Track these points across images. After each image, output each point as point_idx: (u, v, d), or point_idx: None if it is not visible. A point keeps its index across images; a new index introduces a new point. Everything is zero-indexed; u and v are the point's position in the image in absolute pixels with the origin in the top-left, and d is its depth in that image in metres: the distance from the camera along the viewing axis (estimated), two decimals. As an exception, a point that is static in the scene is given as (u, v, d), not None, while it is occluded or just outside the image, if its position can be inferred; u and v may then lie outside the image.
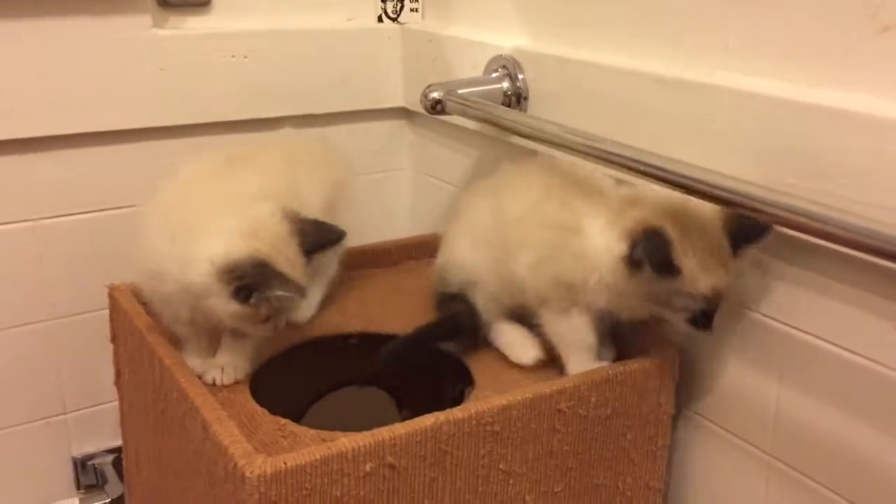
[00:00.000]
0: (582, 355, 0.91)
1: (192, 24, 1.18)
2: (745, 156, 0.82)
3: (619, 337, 0.96)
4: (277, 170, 1.00)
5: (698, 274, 0.82)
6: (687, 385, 0.95)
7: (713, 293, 0.83)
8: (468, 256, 1.01)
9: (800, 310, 0.82)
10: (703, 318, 0.85)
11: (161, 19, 1.15)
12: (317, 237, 0.87)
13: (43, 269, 1.14)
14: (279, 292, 0.80)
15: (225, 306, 0.82)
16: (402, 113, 1.37)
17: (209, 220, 0.84)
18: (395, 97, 1.34)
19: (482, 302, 0.99)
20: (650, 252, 0.82)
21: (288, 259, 0.83)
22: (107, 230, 1.15)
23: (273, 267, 0.81)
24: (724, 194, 0.77)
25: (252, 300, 0.81)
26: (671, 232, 0.82)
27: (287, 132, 1.23)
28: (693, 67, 0.89)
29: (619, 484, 0.93)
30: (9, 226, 1.11)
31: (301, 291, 0.82)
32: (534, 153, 1.10)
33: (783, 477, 0.87)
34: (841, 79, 0.76)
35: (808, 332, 0.82)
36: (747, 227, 0.82)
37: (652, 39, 0.94)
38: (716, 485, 0.95)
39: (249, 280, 0.80)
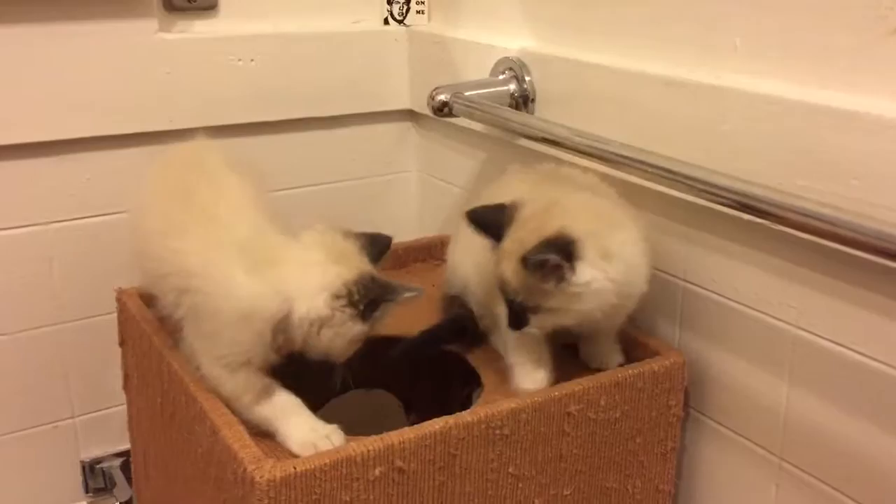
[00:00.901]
0: (527, 367, 0.89)
1: (199, 28, 1.18)
2: (755, 158, 0.82)
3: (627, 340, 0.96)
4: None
5: None
6: (696, 388, 0.95)
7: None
8: (460, 261, 1.02)
9: (810, 312, 0.82)
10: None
11: (167, 23, 1.15)
12: (376, 247, 0.87)
13: (52, 272, 1.15)
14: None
15: (349, 330, 0.81)
16: (409, 115, 1.37)
17: (282, 253, 0.83)
18: (402, 99, 1.34)
19: (475, 307, 0.99)
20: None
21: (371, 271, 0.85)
22: (115, 234, 1.14)
23: (382, 278, 0.83)
24: (733, 197, 0.77)
25: (378, 313, 0.82)
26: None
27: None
28: (701, 69, 0.89)
29: (629, 487, 0.92)
30: (18, 230, 1.11)
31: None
32: (541, 155, 1.10)
33: (793, 480, 0.86)
34: (851, 81, 0.76)
35: (818, 335, 0.82)
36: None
37: (660, 41, 0.94)
38: (725, 488, 0.94)
39: (374, 294, 0.81)
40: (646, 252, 0.89)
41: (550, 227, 0.82)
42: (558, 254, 0.80)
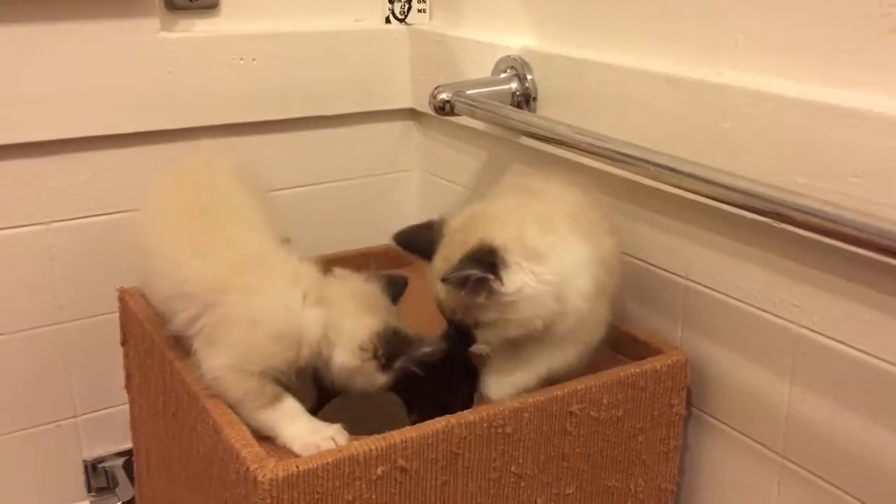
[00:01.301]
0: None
1: (200, 27, 1.18)
2: (756, 156, 0.82)
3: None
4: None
5: None
6: (698, 386, 0.95)
7: None
8: None
9: (812, 310, 0.82)
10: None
11: (169, 22, 1.15)
12: (395, 289, 0.89)
13: (53, 272, 1.15)
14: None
15: (374, 379, 0.84)
16: (410, 114, 1.37)
17: (327, 293, 0.85)
18: (404, 98, 1.34)
19: None
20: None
21: (395, 316, 0.87)
22: (117, 233, 1.15)
23: (404, 332, 0.84)
24: (735, 195, 0.77)
25: (397, 364, 0.84)
26: None
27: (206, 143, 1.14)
28: (703, 67, 0.89)
29: (631, 486, 0.92)
30: (20, 229, 1.12)
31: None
32: (543, 154, 1.10)
33: (795, 478, 0.86)
34: (853, 78, 0.76)
35: (819, 333, 0.82)
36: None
37: (662, 39, 0.94)
38: (728, 486, 0.94)
39: (395, 349, 0.83)
40: (593, 261, 0.84)
41: (473, 240, 0.80)
42: (480, 267, 0.77)
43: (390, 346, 0.83)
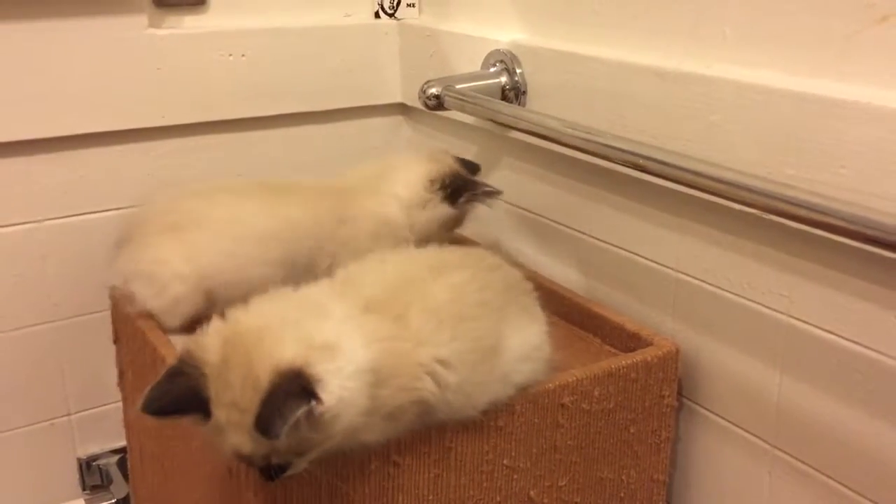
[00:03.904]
0: None
1: (189, 24, 1.18)
2: (744, 147, 0.82)
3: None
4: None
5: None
6: (689, 377, 0.95)
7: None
8: None
9: (801, 300, 0.82)
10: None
11: (157, 19, 1.15)
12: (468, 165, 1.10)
13: (45, 270, 1.15)
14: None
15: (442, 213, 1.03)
16: (400, 109, 1.37)
17: None
18: (393, 93, 1.34)
19: None
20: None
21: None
22: (108, 231, 1.14)
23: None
24: (723, 187, 0.77)
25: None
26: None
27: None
28: (691, 59, 0.89)
29: (624, 477, 0.93)
30: (10, 228, 1.11)
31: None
32: (533, 148, 1.11)
33: (786, 467, 0.87)
34: (840, 69, 0.76)
35: (809, 323, 0.82)
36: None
37: (650, 32, 0.94)
38: (719, 476, 0.95)
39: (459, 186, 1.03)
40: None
41: (258, 370, 0.65)
42: (297, 400, 0.64)
43: (456, 182, 1.01)
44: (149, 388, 0.68)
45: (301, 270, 0.96)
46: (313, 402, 0.64)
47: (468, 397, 0.78)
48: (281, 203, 1.00)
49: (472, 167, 1.11)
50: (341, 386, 0.67)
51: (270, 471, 0.68)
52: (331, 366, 0.67)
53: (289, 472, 0.69)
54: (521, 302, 0.88)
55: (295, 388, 0.64)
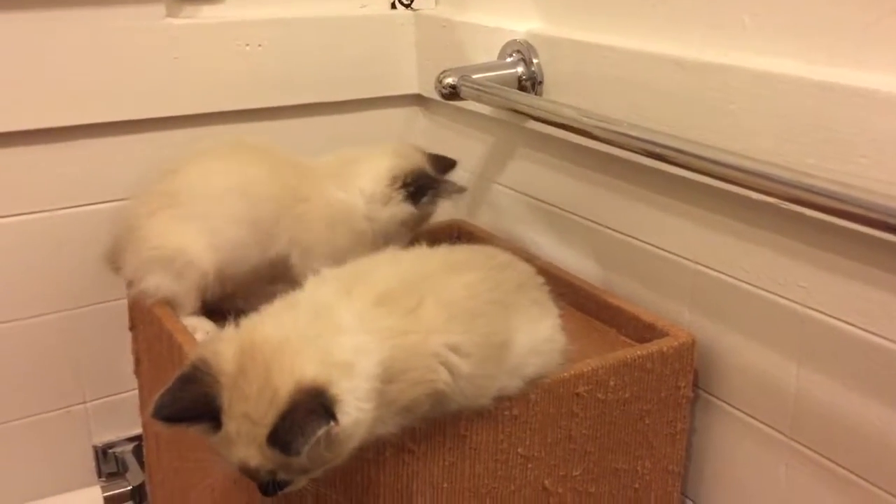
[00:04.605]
0: None
1: (206, 13, 1.18)
2: (763, 137, 0.81)
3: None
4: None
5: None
6: (706, 368, 0.95)
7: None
8: None
9: (818, 291, 0.82)
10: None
11: (175, 9, 1.16)
12: (441, 162, 1.10)
13: (61, 259, 1.15)
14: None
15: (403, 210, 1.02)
16: (416, 99, 1.36)
17: None
18: (410, 84, 1.34)
19: None
20: None
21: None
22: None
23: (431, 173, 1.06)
24: (742, 175, 0.77)
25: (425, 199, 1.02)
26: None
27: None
28: (710, 48, 0.88)
29: (638, 468, 0.93)
30: (26, 216, 1.12)
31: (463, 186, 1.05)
32: (548, 138, 1.10)
33: (803, 459, 0.86)
34: (859, 57, 0.76)
35: (827, 314, 0.81)
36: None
37: (668, 20, 0.94)
38: (735, 468, 0.95)
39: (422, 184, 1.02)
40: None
41: (280, 385, 0.65)
42: (318, 419, 0.63)
43: (419, 180, 1.01)
44: (160, 393, 0.67)
45: (265, 236, 0.98)
46: (332, 423, 0.63)
47: (480, 388, 0.78)
48: (250, 165, 1.01)
49: (446, 163, 1.10)
50: (357, 407, 0.66)
51: (270, 486, 0.67)
52: (349, 384, 0.66)
53: (288, 489, 0.68)
54: (532, 297, 0.88)
55: (317, 406, 0.63)
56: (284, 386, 0.64)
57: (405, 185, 1.03)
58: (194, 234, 0.95)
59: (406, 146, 1.10)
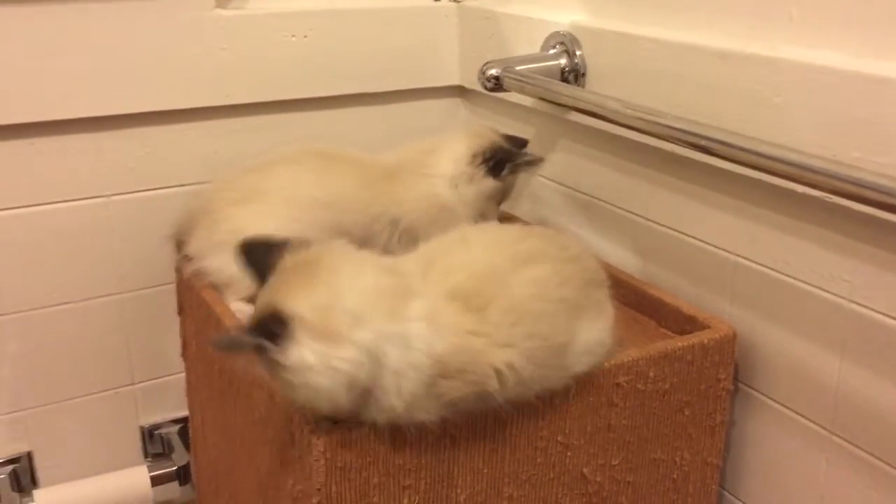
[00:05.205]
0: None
1: (253, 5, 1.20)
2: (809, 130, 0.81)
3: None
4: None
5: None
6: (746, 362, 0.95)
7: None
8: None
9: (863, 286, 0.81)
10: None
11: (223, 0, 1.18)
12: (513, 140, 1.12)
13: (113, 244, 1.18)
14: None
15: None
16: (458, 91, 1.37)
17: None
18: (452, 75, 1.34)
19: None
20: None
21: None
22: (173, 207, 1.17)
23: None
24: (788, 169, 0.77)
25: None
26: None
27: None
28: (756, 41, 0.88)
29: (677, 459, 0.93)
30: (81, 202, 1.15)
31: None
32: (591, 130, 1.11)
33: (844, 454, 0.86)
34: (910, 50, 0.75)
35: (871, 308, 0.81)
36: None
37: (714, 13, 0.94)
38: (774, 462, 0.95)
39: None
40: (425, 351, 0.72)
41: (275, 296, 0.71)
42: (261, 334, 0.69)
43: (498, 154, 1.04)
44: (261, 237, 0.79)
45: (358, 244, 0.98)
46: (271, 346, 0.68)
47: (528, 387, 0.80)
48: (333, 174, 1.04)
49: (520, 142, 1.13)
50: (322, 363, 0.69)
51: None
52: (316, 344, 0.69)
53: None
54: (594, 297, 0.88)
55: (267, 326, 0.69)
56: (273, 301, 0.71)
57: (485, 161, 1.06)
58: (273, 230, 0.97)
59: (479, 126, 1.13)
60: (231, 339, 0.71)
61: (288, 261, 0.74)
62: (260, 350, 0.69)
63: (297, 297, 0.70)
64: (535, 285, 0.81)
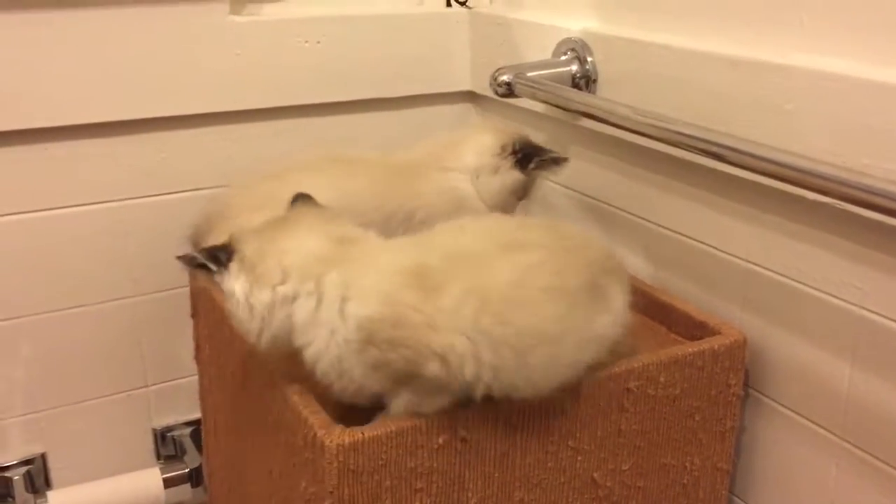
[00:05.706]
0: None
1: (268, 11, 1.21)
2: (819, 136, 0.81)
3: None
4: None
5: None
6: (757, 368, 0.95)
7: None
8: None
9: (875, 292, 0.82)
10: None
11: (238, 6, 1.19)
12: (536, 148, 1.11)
13: (127, 248, 1.19)
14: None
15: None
16: (469, 97, 1.38)
17: None
18: (463, 81, 1.35)
19: None
20: None
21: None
22: (188, 211, 1.18)
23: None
24: (799, 175, 0.77)
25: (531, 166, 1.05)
26: None
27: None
28: (767, 48, 0.88)
29: (687, 464, 0.93)
30: (96, 206, 1.16)
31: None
32: (602, 136, 1.11)
33: (854, 460, 0.86)
34: (921, 58, 0.75)
35: (883, 315, 0.81)
36: None
37: (724, 20, 0.94)
38: (784, 467, 0.95)
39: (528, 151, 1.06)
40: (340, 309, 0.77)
41: (242, 234, 0.83)
42: (209, 257, 0.81)
43: (526, 147, 1.04)
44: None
45: None
46: (213, 268, 0.81)
47: (528, 381, 0.77)
48: (348, 178, 1.04)
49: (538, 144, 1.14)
50: (243, 297, 0.79)
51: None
52: (243, 278, 0.79)
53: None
54: (600, 287, 0.83)
55: (216, 251, 0.81)
56: (238, 239, 0.82)
57: (514, 153, 1.07)
58: None
59: (502, 124, 1.15)
60: (188, 256, 0.82)
61: (285, 212, 0.85)
62: (205, 269, 0.81)
63: (251, 239, 0.81)
64: (517, 271, 0.78)
